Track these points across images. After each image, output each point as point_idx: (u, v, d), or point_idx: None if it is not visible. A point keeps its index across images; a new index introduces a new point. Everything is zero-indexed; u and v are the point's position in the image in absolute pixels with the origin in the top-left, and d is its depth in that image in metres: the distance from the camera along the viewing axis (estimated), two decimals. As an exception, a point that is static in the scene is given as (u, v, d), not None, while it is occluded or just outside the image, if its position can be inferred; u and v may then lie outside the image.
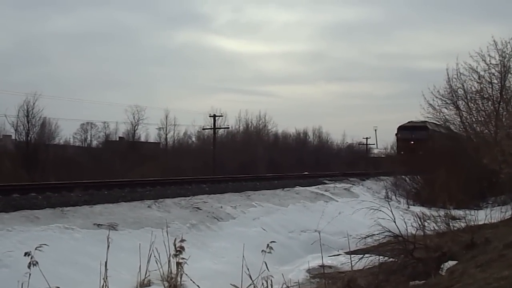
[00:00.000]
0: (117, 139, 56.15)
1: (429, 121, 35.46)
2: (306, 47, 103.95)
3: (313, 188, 22.54)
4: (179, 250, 7.06)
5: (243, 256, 6.38)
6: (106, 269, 6.56)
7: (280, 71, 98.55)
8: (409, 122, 39.43)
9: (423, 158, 28.80)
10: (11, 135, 47.51)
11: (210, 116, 52.35)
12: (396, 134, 41.34)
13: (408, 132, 38.96)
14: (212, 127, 52.37)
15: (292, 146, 61.88)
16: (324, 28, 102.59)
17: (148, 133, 57.52)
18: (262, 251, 5.99)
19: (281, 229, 14.88)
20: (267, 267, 6.05)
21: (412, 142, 36.95)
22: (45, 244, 5.76)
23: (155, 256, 8.11)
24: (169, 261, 7.74)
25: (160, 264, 8.03)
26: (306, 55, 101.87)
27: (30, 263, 5.33)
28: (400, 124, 40.91)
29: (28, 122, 42.90)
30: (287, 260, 11.83)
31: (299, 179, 26.28)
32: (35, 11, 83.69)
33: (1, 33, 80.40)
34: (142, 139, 56.27)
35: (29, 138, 43.29)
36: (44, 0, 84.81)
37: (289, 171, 36.48)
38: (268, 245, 6.05)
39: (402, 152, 37.43)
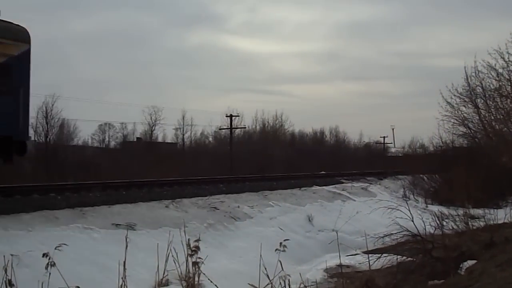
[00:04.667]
0: (135, 139, 56.52)
1: None
2: (322, 46, 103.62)
3: (330, 188, 22.46)
4: (195, 250, 7.10)
5: (261, 255, 6.38)
6: (124, 269, 6.60)
7: (296, 70, 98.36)
8: None
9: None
10: (30, 137, 48.07)
11: (226, 116, 52.41)
12: None
13: None
14: (229, 127, 52.40)
15: (309, 145, 61.70)
16: (339, 27, 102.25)
17: (165, 133, 57.85)
18: (276, 249, 5.97)
19: (299, 229, 14.86)
20: (281, 266, 6.04)
21: None
22: (64, 244, 5.82)
23: (173, 256, 8.16)
24: (186, 260, 7.79)
25: (178, 264, 8.07)
26: (322, 54, 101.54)
27: (48, 263, 5.38)
28: None
29: (47, 124, 43.39)
30: (304, 260, 11.82)
31: (316, 179, 26.19)
32: (53, 14, 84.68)
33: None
34: (159, 139, 56.54)
35: (48, 139, 43.77)
36: (62, 3, 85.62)
37: (306, 170, 36.35)
38: (281, 243, 6.02)
39: None
